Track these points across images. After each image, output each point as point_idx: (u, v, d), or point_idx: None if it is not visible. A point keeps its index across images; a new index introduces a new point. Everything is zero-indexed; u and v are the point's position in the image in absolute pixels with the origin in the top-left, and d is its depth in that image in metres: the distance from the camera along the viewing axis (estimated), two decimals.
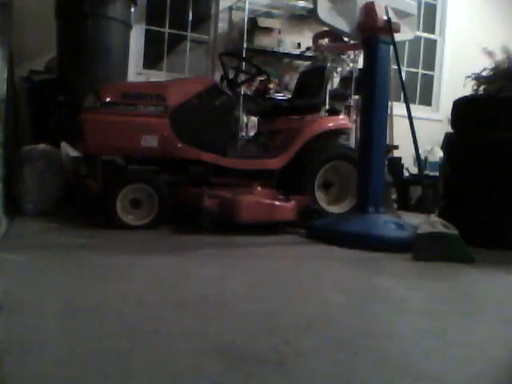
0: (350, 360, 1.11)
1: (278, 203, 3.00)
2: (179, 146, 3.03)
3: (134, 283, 1.68)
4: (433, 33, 6.56)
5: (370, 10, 2.75)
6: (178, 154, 3.06)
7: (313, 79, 3.76)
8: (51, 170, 3.20)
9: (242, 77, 3.77)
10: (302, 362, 1.07)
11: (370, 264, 2.29)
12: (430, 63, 6.59)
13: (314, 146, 3.42)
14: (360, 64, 4.88)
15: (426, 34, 6.49)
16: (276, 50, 5.27)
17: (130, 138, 2.93)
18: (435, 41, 6.57)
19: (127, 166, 3.09)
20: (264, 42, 5.19)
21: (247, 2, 5.11)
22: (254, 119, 5.04)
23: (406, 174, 5.37)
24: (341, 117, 3.69)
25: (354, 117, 5.37)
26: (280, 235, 3.02)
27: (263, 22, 5.19)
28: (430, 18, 6.52)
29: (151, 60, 5.34)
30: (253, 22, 5.18)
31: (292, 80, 5.26)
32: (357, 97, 5.32)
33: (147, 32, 5.26)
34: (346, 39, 4.32)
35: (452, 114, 3.24)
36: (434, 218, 2.48)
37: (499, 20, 6.44)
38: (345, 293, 1.72)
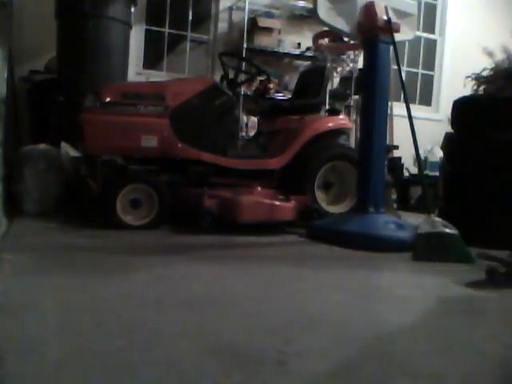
0: (350, 360, 1.11)
1: (278, 203, 3.00)
2: (179, 146, 3.03)
3: (134, 283, 1.68)
4: (433, 33, 6.56)
5: (369, 10, 2.75)
6: (178, 154, 3.06)
7: (313, 79, 3.76)
8: (51, 170, 3.20)
9: (242, 77, 3.77)
10: (302, 361, 1.07)
11: (370, 264, 2.29)
12: (430, 63, 6.59)
13: (313, 146, 3.42)
14: (360, 64, 4.89)
15: (425, 34, 6.49)
16: (276, 50, 5.27)
17: (129, 138, 2.93)
18: (435, 41, 6.57)
19: (127, 166, 3.09)
20: (264, 41, 5.20)
21: (247, 2, 5.11)
22: (254, 119, 5.04)
23: (406, 173, 5.37)
24: (341, 117, 3.69)
25: (354, 117, 5.38)
26: (280, 235, 3.02)
27: (263, 22, 5.19)
28: (430, 18, 6.52)
29: (151, 60, 5.34)
30: (253, 22, 5.18)
31: (292, 80, 5.26)
32: (357, 97, 5.32)
33: (147, 32, 5.26)
34: (346, 39, 4.33)
35: (452, 114, 3.24)
36: (434, 217, 2.48)
37: (499, 20, 6.43)
38: (345, 292, 1.72)
